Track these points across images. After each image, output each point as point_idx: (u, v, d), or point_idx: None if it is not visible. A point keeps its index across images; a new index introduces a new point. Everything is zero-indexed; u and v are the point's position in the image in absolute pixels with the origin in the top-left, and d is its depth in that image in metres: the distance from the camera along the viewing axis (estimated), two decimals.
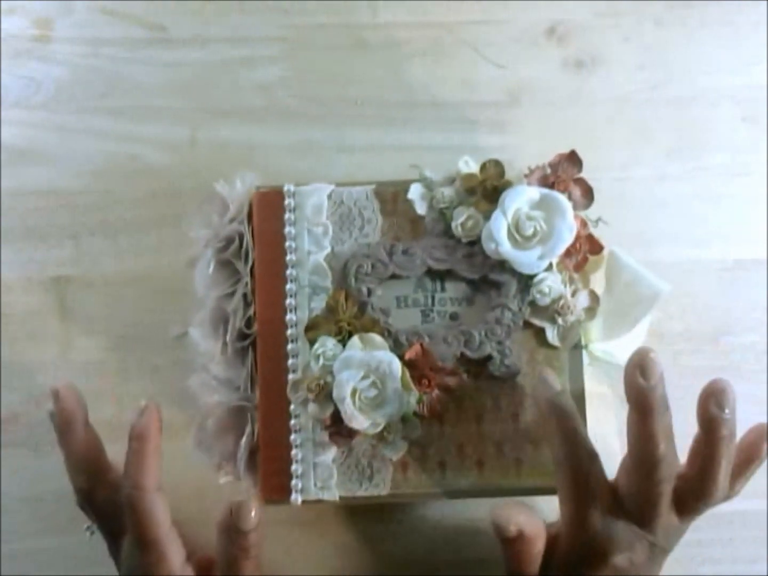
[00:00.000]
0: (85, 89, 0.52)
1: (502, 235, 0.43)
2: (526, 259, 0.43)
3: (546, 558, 0.42)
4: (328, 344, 0.43)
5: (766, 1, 0.53)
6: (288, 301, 0.45)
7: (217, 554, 0.42)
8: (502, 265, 0.44)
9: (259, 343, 0.45)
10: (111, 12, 0.53)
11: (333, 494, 0.44)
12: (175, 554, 0.42)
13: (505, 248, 0.43)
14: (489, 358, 0.44)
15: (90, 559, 0.49)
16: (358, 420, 0.42)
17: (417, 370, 0.43)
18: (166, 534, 0.42)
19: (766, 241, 0.51)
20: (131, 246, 0.51)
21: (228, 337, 0.45)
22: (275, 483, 0.44)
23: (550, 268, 0.44)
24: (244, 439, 0.44)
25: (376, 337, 0.43)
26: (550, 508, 0.49)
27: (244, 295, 0.45)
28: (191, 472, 0.48)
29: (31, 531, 0.50)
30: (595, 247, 0.44)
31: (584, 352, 0.45)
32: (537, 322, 0.44)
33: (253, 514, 0.41)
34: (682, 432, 0.49)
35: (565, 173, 0.44)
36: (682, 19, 0.53)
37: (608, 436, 0.46)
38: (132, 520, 0.42)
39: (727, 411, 0.39)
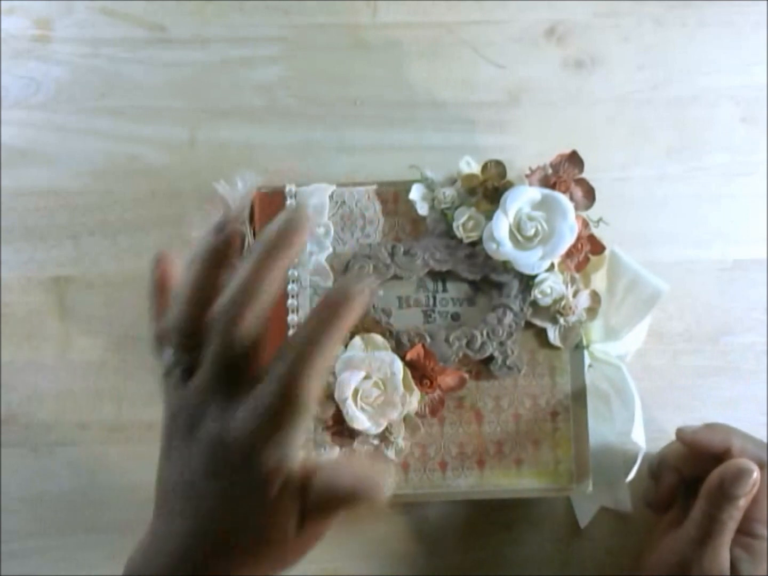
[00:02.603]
0: (85, 89, 0.52)
1: (504, 235, 0.43)
2: (527, 260, 0.43)
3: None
4: None
5: (766, 1, 0.53)
6: (290, 301, 0.45)
7: None
8: (504, 265, 0.44)
9: None
10: (111, 12, 0.53)
11: None
12: None
13: (507, 249, 0.43)
14: (490, 358, 0.44)
15: (90, 560, 0.49)
16: (360, 420, 0.42)
17: (418, 370, 0.43)
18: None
19: (766, 241, 0.51)
20: (131, 246, 0.51)
21: None
22: None
23: (551, 268, 0.44)
24: None
25: (378, 338, 0.43)
26: (549, 507, 0.49)
27: None
28: None
29: (31, 531, 0.50)
30: (597, 247, 0.44)
31: (585, 352, 0.45)
32: (538, 322, 0.44)
33: None
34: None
35: (566, 173, 0.44)
36: (682, 19, 0.53)
37: (608, 436, 0.46)
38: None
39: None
